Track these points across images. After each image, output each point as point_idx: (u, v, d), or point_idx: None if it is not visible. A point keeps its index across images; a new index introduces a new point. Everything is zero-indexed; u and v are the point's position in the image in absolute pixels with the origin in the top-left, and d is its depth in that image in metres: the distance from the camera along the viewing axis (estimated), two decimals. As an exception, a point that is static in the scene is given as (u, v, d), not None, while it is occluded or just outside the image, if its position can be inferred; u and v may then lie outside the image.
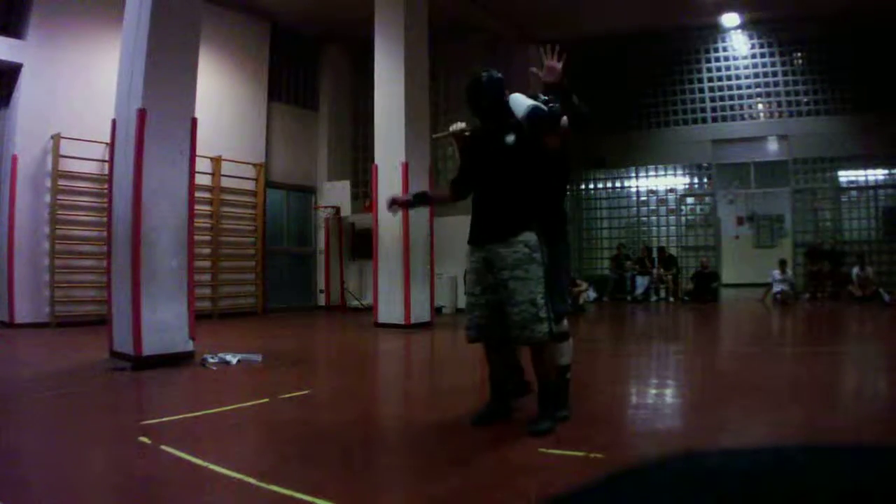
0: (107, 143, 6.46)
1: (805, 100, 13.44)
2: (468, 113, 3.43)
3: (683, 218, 14.52)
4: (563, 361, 3.40)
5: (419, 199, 3.82)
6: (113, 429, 3.41)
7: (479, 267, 3.23)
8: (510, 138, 3.21)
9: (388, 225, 8.47)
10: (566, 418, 3.31)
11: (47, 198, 8.42)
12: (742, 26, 13.51)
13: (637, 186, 15.09)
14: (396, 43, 8.63)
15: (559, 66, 3.18)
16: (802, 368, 5.28)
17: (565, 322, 3.40)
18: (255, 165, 10.92)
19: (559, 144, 3.30)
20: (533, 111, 3.12)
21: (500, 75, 3.30)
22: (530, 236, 3.14)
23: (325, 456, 2.87)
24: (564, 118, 3.18)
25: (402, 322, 8.21)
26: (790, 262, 12.73)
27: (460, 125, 3.45)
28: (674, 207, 14.57)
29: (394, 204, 3.65)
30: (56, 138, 8.39)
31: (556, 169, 3.41)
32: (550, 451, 2.82)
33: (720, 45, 14.00)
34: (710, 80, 14.14)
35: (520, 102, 3.21)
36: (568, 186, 3.53)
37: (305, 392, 4.33)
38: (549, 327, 3.11)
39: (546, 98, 3.21)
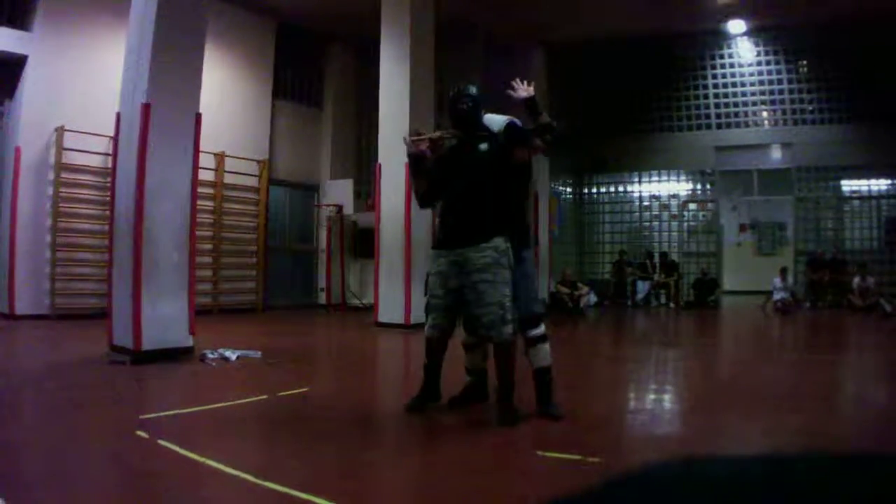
0: (110, 137, 6.47)
1: (809, 108, 13.44)
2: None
3: (685, 224, 14.52)
4: (543, 363, 3.49)
5: (418, 164, 3.60)
6: (111, 422, 3.41)
7: (444, 270, 3.37)
8: (484, 146, 3.44)
9: (390, 224, 8.47)
10: (561, 416, 3.37)
11: (50, 190, 8.43)
12: (748, 33, 13.52)
13: (640, 191, 15.10)
14: (401, 42, 8.63)
15: (530, 88, 3.44)
16: (801, 376, 5.27)
17: (543, 325, 3.51)
18: (258, 162, 10.93)
19: (528, 158, 3.55)
20: (511, 123, 3.45)
21: (479, 90, 3.53)
22: (500, 242, 3.31)
23: (323, 454, 2.87)
24: (538, 141, 3.44)
25: (403, 322, 8.20)
26: (791, 271, 12.72)
27: (439, 132, 3.62)
28: (676, 213, 14.57)
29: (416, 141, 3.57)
30: (60, 131, 8.40)
31: (521, 179, 3.66)
32: (548, 454, 2.81)
33: (725, 51, 14.01)
34: (715, 86, 14.15)
35: (495, 119, 3.51)
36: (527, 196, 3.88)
37: (304, 390, 4.32)
38: (514, 328, 3.29)
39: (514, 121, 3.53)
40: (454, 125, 3.56)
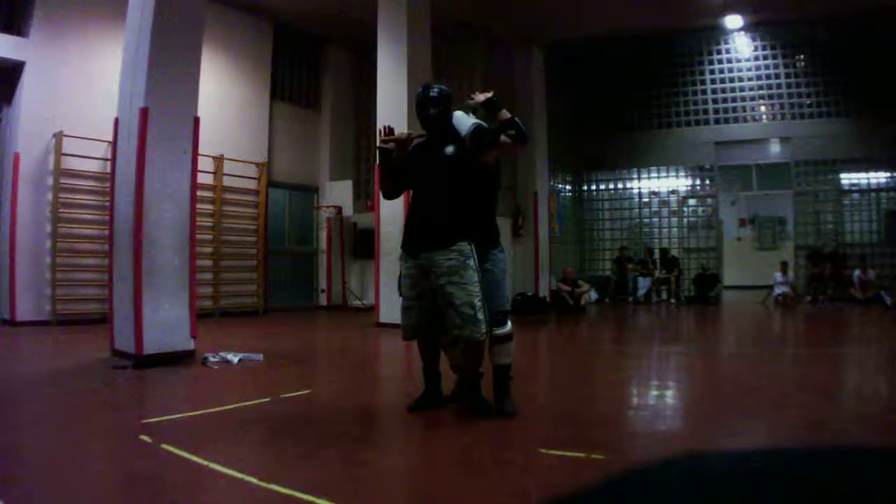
0: (109, 142, 6.47)
1: (807, 102, 13.45)
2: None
3: (685, 220, 14.53)
4: (505, 360, 3.53)
5: (385, 158, 3.60)
6: (114, 427, 3.41)
7: (414, 273, 3.42)
8: (450, 149, 3.43)
9: (390, 225, 8.47)
10: (514, 413, 3.41)
11: (49, 196, 8.43)
12: (745, 28, 13.53)
13: (639, 188, 15.11)
14: (398, 43, 8.63)
15: (487, 92, 3.55)
16: (803, 370, 5.27)
17: (509, 324, 3.54)
18: (257, 165, 10.93)
19: (492, 160, 3.54)
20: (477, 127, 3.39)
21: (449, 91, 3.51)
22: (464, 245, 3.34)
23: (326, 456, 2.87)
24: (504, 137, 3.42)
25: (403, 322, 8.18)
26: (792, 265, 12.72)
27: (407, 133, 3.62)
28: (676, 209, 14.57)
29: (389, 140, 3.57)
30: (58, 136, 8.40)
31: (489, 182, 3.63)
32: (551, 451, 2.81)
33: (723, 46, 14.02)
34: (713, 81, 14.16)
35: (462, 120, 3.47)
36: (497, 198, 3.81)
37: (306, 392, 4.33)
38: (486, 327, 3.31)
39: (480, 119, 3.51)
40: (423, 128, 3.56)
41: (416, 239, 3.43)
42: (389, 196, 3.79)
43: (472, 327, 3.25)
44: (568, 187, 15.34)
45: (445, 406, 3.66)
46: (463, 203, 3.43)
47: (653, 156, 14.71)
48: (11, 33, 8.35)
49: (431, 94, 3.45)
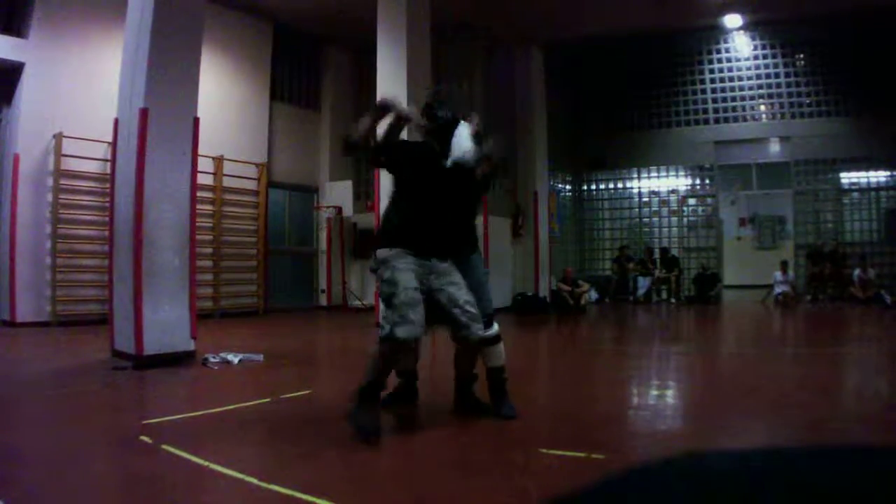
0: (109, 143, 6.47)
1: (807, 101, 13.45)
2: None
3: (685, 219, 14.53)
4: (497, 363, 3.51)
5: (379, 113, 3.38)
6: (114, 428, 3.41)
7: (416, 269, 3.24)
8: (459, 157, 3.38)
9: (390, 225, 8.46)
10: (514, 417, 3.38)
11: (49, 197, 8.44)
12: (744, 27, 13.53)
13: (639, 187, 15.12)
14: (398, 44, 8.62)
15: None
16: (803, 370, 5.27)
17: (496, 326, 3.52)
18: (256, 165, 10.93)
19: (487, 170, 3.53)
20: (480, 153, 3.39)
21: (457, 93, 3.46)
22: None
23: (326, 456, 2.87)
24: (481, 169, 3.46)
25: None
26: (792, 264, 12.72)
27: (412, 112, 3.44)
28: (676, 209, 14.58)
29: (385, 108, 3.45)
30: (58, 137, 8.40)
31: (477, 187, 3.63)
32: (551, 451, 2.81)
33: (722, 46, 14.02)
34: (713, 81, 14.16)
35: (464, 136, 3.39)
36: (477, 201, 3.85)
37: (307, 392, 4.33)
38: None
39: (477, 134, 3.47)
40: (427, 134, 3.47)
41: (423, 243, 3.31)
42: (357, 151, 3.44)
43: (477, 325, 3.27)
44: (568, 187, 15.34)
45: (447, 408, 3.65)
46: (466, 215, 3.51)
47: (653, 155, 14.71)
48: (11, 34, 8.35)
49: (441, 97, 3.49)
